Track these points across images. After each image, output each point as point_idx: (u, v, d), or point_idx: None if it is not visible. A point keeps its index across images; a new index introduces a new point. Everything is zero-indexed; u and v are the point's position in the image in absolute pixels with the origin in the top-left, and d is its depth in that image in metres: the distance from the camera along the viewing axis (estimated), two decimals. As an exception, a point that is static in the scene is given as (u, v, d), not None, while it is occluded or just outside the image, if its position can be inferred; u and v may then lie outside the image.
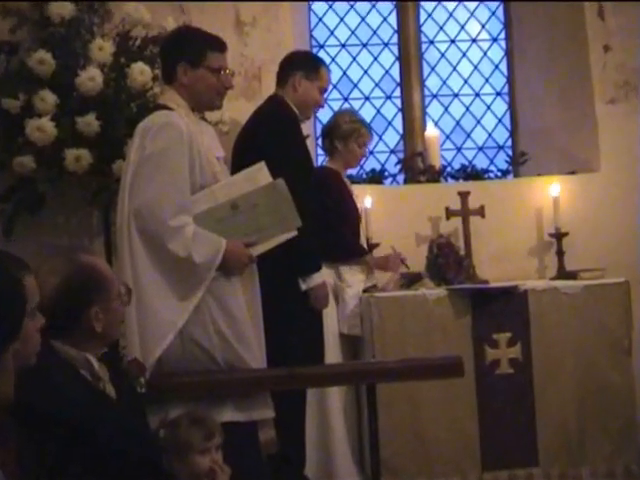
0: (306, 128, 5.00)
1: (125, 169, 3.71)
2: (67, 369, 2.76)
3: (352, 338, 5.15)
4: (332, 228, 5.00)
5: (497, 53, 6.56)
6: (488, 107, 6.53)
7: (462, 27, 6.53)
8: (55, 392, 2.65)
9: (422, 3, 6.46)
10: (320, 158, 5.80)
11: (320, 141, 5.51)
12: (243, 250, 3.67)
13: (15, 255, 2.42)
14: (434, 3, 6.50)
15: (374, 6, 6.46)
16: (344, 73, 6.42)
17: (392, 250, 5.32)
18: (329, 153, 5.37)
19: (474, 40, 6.55)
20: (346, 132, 5.25)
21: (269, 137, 4.51)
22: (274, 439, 3.84)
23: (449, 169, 6.27)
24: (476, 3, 6.55)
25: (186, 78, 3.80)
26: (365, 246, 5.37)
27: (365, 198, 5.56)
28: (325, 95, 4.99)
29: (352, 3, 6.45)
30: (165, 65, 3.93)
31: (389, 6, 6.46)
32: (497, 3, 6.56)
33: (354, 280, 5.15)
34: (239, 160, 4.46)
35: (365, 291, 5.16)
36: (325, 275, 4.69)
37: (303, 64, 4.82)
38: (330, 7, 6.43)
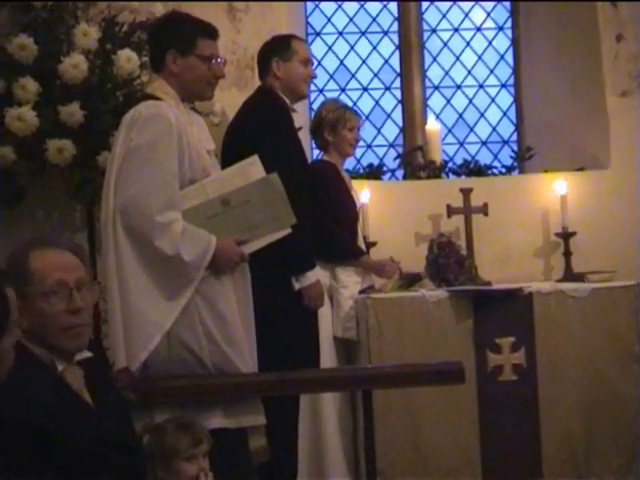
0: (299, 120, 5.03)
1: (110, 162, 3.71)
2: (35, 366, 2.76)
3: (347, 342, 5.17)
4: (328, 226, 5.02)
5: (503, 42, 6.60)
6: (492, 99, 6.56)
7: (466, 15, 6.56)
8: (22, 393, 2.64)
9: (424, -10, 6.51)
10: (315, 152, 5.81)
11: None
12: (234, 248, 3.68)
13: None
14: (437, -10, 6.55)
15: (374, -9, 6.50)
16: (341, 62, 6.46)
17: (390, 259, 5.34)
18: (323, 148, 5.39)
19: (479, 29, 6.58)
20: (332, 121, 5.28)
21: (259, 130, 4.50)
22: (265, 447, 3.85)
23: (451, 164, 6.30)
24: (481, -10, 6.60)
25: (175, 66, 3.80)
26: (363, 245, 5.39)
27: (362, 194, 5.58)
28: (312, 65, 4.96)
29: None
30: (153, 53, 3.93)
31: (389, -8, 6.50)
32: (503, -11, 6.61)
33: (349, 281, 5.17)
34: (229, 154, 4.46)
35: (362, 292, 5.18)
36: (320, 275, 4.71)
37: (274, 49, 4.83)
38: (328, -8, 6.47)
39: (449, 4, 6.53)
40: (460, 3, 6.54)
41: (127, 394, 3.44)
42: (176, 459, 3.09)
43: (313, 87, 6.13)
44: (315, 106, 6.01)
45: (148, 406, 3.58)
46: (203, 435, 3.17)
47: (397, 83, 6.47)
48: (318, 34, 6.45)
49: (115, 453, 2.83)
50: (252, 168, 3.77)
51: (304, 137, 5.10)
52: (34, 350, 2.79)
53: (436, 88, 6.52)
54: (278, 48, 4.82)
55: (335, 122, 5.28)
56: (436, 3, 6.52)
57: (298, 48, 4.83)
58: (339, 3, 6.46)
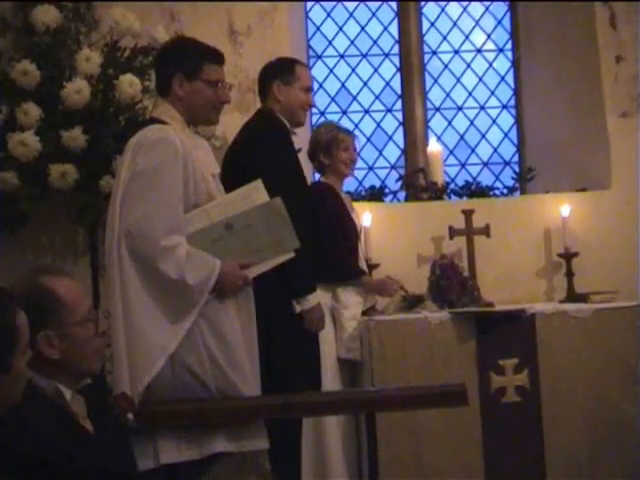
0: (300, 142, 5.06)
1: (115, 186, 3.74)
2: (39, 399, 2.77)
3: (351, 362, 5.17)
4: (328, 247, 5.02)
5: (503, 64, 6.63)
6: (494, 121, 6.59)
7: (467, 37, 6.60)
8: (25, 425, 2.65)
9: (425, 12, 6.53)
10: (317, 175, 5.82)
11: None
12: (238, 272, 3.70)
13: (6, 289, 2.47)
14: (437, 11, 6.57)
15: (374, 14, 6.53)
16: (343, 85, 6.48)
17: (388, 277, 5.35)
18: (320, 171, 5.40)
19: (479, 50, 6.61)
20: (326, 143, 5.29)
21: (260, 153, 4.50)
22: (268, 471, 3.87)
23: (453, 186, 6.30)
24: (481, 12, 6.62)
25: (182, 91, 3.84)
26: (365, 266, 5.40)
27: (364, 216, 5.59)
28: (312, 93, 4.98)
29: (353, 7, 6.51)
30: (160, 77, 3.96)
31: (390, 14, 6.53)
32: (503, 11, 6.62)
33: (351, 301, 5.17)
34: (229, 177, 4.45)
35: (364, 313, 5.19)
36: (322, 297, 4.71)
37: (277, 71, 4.84)
38: (328, 15, 6.50)
39: (449, 26, 6.57)
40: (460, 25, 6.57)
41: (125, 420, 3.45)
42: None
43: (314, 110, 6.16)
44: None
45: (151, 431, 3.60)
46: None
47: (398, 105, 6.49)
48: (319, 57, 6.48)
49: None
50: (255, 192, 3.79)
51: (304, 159, 5.12)
52: (38, 382, 2.81)
53: (437, 110, 6.54)
54: (281, 71, 4.83)
55: (329, 144, 5.29)
56: (436, 25, 6.55)
57: (301, 74, 4.84)
58: (343, 16, 6.49)
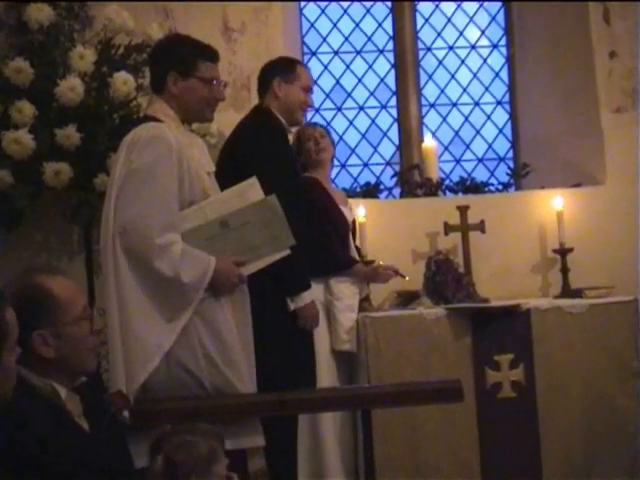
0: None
1: (110, 184, 3.73)
2: (34, 398, 2.76)
3: (347, 355, 5.16)
4: (318, 239, 4.99)
5: (497, 60, 6.62)
6: (488, 117, 6.58)
7: (461, 33, 6.59)
8: (20, 424, 2.65)
9: (419, 8, 6.52)
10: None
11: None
12: (233, 269, 3.70)
13: None
14: (431, 8, 6.56)
15: (369, 11, 6.52)
16: (337, 82, 6.47)
17: (379, 264, 5.32)
18: (305, 169, 5.36)
19: (473, 46, 6.61)
20: (296, 145, 5.27)
21: (257, 150, 4.50)
22: (264, 469, 3.86)
23: (447, 182, 6.31)
24: (475, 7, 6.61)
25: (176, 88, 3.83)
26: (357, 258, 5.37)
27: (359, 212, 5.59)
28: (311, 94, 4.93)
29: (347, 4, 6.50)
30: (154, 74, 3.95)
31: (384, 11, 6.52)
32: (497, 7, 6.61)
33: (346, 293, 5.14)
34: (224, 173, 4.44)
35: (360, 308, 5.18)
36: (314, 290, 4.70)
37: (278, 69, 4.82)
38: (322, 12, 6.49)
39: (444, 22, 6.56)
40: (454, 21, 6.56)
41: (121, 417, 3.44)
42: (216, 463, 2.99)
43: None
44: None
45: (146, 429, 3.58)
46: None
47: (393, 101, 6.49)
48: (314, 54, 6.47)
49: (110, 478, 2.84)
50: (251, 190, 3.78)
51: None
52: (33, 381, 2.80)
53: (432, 106, 6.53)
54: (282, 69, 4.81)
55: (298, 144, 5.28)
56: (430, 22, 6.54)
57: (302, 74, 4.83)
58: (337, 12, 6.48)
